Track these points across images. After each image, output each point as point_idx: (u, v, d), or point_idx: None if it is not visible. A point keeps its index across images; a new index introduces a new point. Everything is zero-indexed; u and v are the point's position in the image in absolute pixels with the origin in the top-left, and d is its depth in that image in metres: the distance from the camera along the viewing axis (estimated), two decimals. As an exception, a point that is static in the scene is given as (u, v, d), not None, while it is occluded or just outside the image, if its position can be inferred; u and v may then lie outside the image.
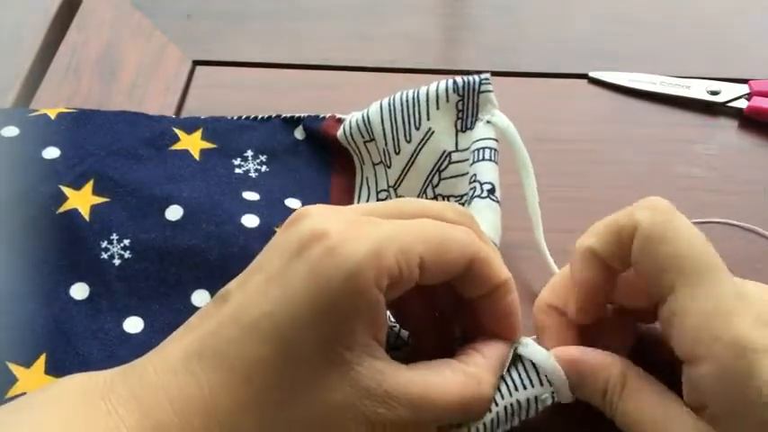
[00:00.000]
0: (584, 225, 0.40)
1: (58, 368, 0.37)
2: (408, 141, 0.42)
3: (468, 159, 0.41)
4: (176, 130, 0.45)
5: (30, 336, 0.38)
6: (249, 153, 0.45)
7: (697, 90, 0.49)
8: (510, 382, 0.34)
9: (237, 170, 0.44)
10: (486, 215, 0.38)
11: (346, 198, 0.44)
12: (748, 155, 0.47)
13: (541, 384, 0.34)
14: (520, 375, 0.34)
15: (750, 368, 0.29)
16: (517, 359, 0.34)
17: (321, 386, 0.29)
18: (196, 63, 0.52)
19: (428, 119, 0.41)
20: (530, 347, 0.34)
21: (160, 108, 0.49)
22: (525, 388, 0.33)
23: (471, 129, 0.41)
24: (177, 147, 0.45)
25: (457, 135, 0.41)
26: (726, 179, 0.45)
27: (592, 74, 0.51)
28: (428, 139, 0.41)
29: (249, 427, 0.29)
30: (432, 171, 0.42)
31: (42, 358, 0.37)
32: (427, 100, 0.41)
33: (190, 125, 0.46)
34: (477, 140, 0.40)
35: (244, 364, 0.30)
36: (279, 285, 0.30)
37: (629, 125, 0.48)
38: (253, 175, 0.44)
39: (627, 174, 0.46)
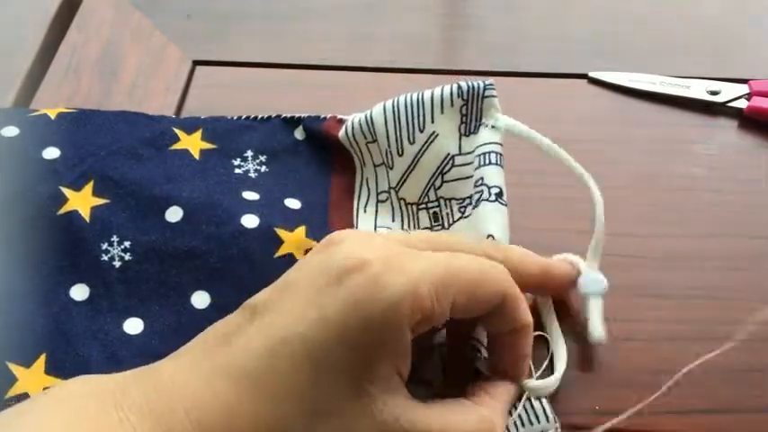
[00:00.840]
0: (584, 225, 0.40)
1: (58, 368, 0.37)
2: (412, 143, 0.42)
3: (471, 163, 0.41)
4: (176, 130, 0.45)
5: (30, 336, 0.38)
6: (249, 153, 0.45)
7: (697, 90, 0.49)
8: (517, 419, 0.35)
9: (237, 170, 0.44)
10: (495, 218, 0.39)
11: (346, 198, 0.44)
12: (748, 155, 0.47)
13: (547, 420, 0.35)
14: (527, 412, 0.35)
15: None
16: (523, 396, 0.35)
17: (343, 416, 0.30)
18: (196, 63, 0.52)
19: (432, 122, 0.41)
20: (536, 386, 0.35)
21: (160, 108, 0.49)
22: (532, 424, 0.35)
23: (475, 133, 0.41)
24: (177, 147, 0.45)
25: (460, 139, 0.41)
26: (726, 179, 0.45)
27: (592, 74, 0.51)
28: (432, 141, 0.42)
29: None
30: (435, 173, 0.42)
31: (42, 358, 0.37)
32: (432, 103, 0.41)
33: (190, 125, 0.46)
34: (483, 144, 0.41)
35: (271, 384, 0.29)
36: (315, 309, 0.30)
37: (629, 125, 0.48)
38: (252, 175, 0.44)
39: (627, 174, 0.46)
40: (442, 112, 0.41)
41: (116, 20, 0.54)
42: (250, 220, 0.41)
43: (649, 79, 0.50)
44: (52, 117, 0.45)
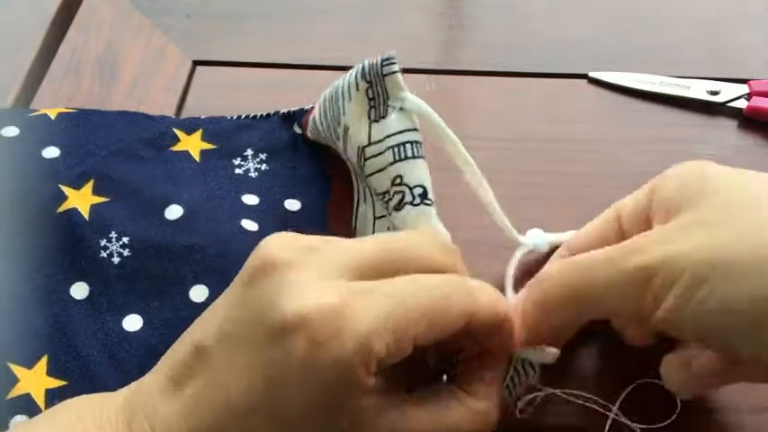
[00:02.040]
0: (583, 225, 0.40)
1: (59, 369, 0.37)
2: (338, 140, 0.39)
3: (382, 153, 0.37)
4: (176, 131, 0.45)
5: (31, 337, 0.38)
6: (249, 152, 0.45)
7: (697, 90, 0.49)
8: (509, 383, 0.35)
9: (237, 170, 0.44)
10: (422, 223, 0.35)
11: (346, 194, 0.44)
12: (748, 155, 0.47)
13: (534, 372, 0.34)
14: (518, 375, 0.35)
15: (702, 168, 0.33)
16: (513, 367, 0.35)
17: None
18: (196, 63, 0.52)
19: (344, 113, 0.38)
20: (528, 354, 0.34)
21: (160, 108, 0.49)
22: (522, 384, 0.35)
23: (384, 117, 0.37)
24: (177, 148, 0.45)
25: (370, 126, 0.37)
26: (726, 179, 0.45)
27: (592, 74, 0.51)
28: (348, 136, 0.38)
29: None
30: (359, 171, 0.39)
31: (44, 360, 0.37)
32: (342, 93, 0.38)
33: (190, 126, 0.46)
34: (393, 134, 0.36)
35: None
36: (261, 378, 0.28)
37: (629, 125, 0.48)
38: (253, 174, 0.44)
39: (627, 174, 0.46)
40: (350, 98, 0.37)
41: (116, 20, 0.54)
42: (249, 225, 0.41)
43: (649, 79, 0.50)
44: (52, 117, 0.45)
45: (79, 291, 0.40)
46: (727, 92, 0.49)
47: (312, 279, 0.29)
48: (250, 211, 0.42)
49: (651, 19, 0.54)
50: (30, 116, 0.45)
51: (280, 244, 0.30)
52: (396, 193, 0.36)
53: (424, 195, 0.36)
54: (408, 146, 0.36)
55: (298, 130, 0.46)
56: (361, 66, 0.37)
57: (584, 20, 0.55)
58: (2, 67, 0.51)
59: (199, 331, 0.31)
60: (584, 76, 0.51)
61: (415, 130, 0.36)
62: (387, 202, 0.37)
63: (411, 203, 0.36)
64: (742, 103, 0.48)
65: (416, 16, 0.55)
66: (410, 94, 0.36)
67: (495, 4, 0.56)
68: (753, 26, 0.54)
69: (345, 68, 0.51)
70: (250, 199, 0.43)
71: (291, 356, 0.28)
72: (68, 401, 0.32)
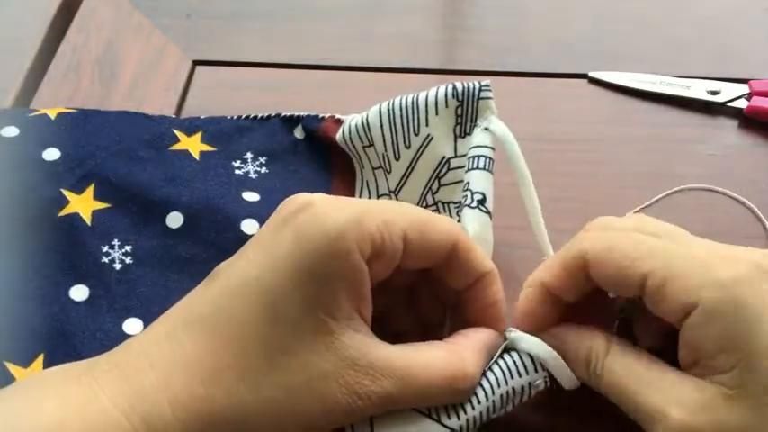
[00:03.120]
0: (584, 225, 0.40)
1: (56, 368, 0.37)
2: (408, 147, 0.42)
3: (463, 166, 0.41)
4: (176, 132, 0.45)
5: (28, 336, 0.38)
6: (249, 155, 0.45)
7: (697, 90, 0.49)
8: (506, 370, 0.34)
9: (237, 171, 0.44)
10: (473, 227, 0.38)
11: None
12: (748, 155, 0.47)
13: (536, 371, 0.34)
14: (515, 363, 0.34)
15: (736, 300, 0.30)
16: (507, 351, 0.35)
17: (307, 353, 0.30)
18: (196, 63, 0.52)
19: (427, 125, 0.41)
20: (524, 338, 0.35)
21: (160, 108, 0.49)
22: (520, 375, 0.34)
23: (470, 135, 0.41)
24: (177, 147, 0.45)
25: (456, 141, 0.41)
26: (726, 179, 0.45)
27: (592, 74, 0.51)
28: (427, 145, 0.41)
29: (232, 386, 0.29)
30: (431, 177, 0.42)
31: (40, 358, 0.37)
32: (426, 105, 0.41)
33: (190, 126, 0.46)
34: (473, 147, 0.40)
35: (230, 326, 0.30)
36: (265, 253, 0.31)
37: (629, 125, 0.48)
38: (253, 176, 0.44)
39: (627, 174, 0.46)
40: (437, 113, 0.41)
41: (116, 20, 0.54)
42: (250, 226, 0.41)
43: (649, 79, 0.50)
44: (52, 117, 0.45)
45: (79, 293, 0.40)
46: (728, 92, 0.49)
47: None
48: (251, 208, 0.42)
49: (651, 19, 0.54)
50: (30, 116, 0.45)
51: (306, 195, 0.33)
52: (462, 197, 0.39)
53: (482, 202, 0.39)
54: (482, 159, 0.39)
55: (299, 134, 0.46)
56: (451, 86, 0.40)
57: (584, 20, 0.55)
58: (2, 67, 0.51)
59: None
60: (585, 76, 0.51)
61: (492, 149, 0.40)
62: (457, 212, 0.40)
63: (469, 206, 0.38)
64: (742, 103, 0.48)
65: (416, 16, 0.55)
66: (496, 119, 0.40)
67: (495, 4, 0.56)
68: (753, 26, 0.54)
69: (345, 68, 0.52)
70: (251, 195, 0.43)
71: (294, 230, 0.30)
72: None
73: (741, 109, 0.48)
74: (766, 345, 0.30)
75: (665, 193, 0.45)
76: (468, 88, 0.40)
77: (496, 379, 0.34)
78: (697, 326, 0.31)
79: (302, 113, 0.46)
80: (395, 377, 0.31)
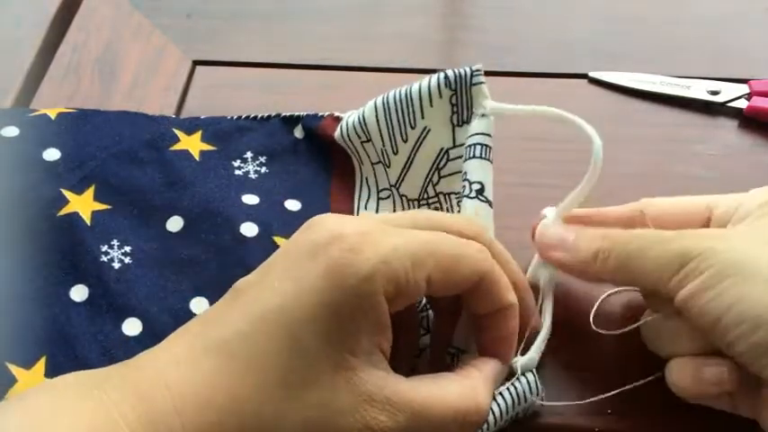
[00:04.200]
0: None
1: (57, 370, 0.37)
2: (405, 141, 0.42)
3: (462, 155, 0.40)
4: (176, 131, 0.45)
5: (30, 337, 0.38)
6: (249, 155, 0.45)
7: (697, 90, 0.49)
8: (515, 396, 0.35)
9: (237, 171, 0.44)
10: (473, 217, 0.38)
11: (346, 197, 0.44)
12: (748, 155, 0.47)
13: (537, 393, 0.36)
14: (523, 389, 0.35)
15: None
16: (513, 375, 0.36)
17: (325, 388, 0.30)
18: (196, 63, 0.52)
19: (423, 117, 0.41)
20: (525, 363, 0.36)
21: (160, 108, 0.49)
22: (526, 400, 0.35)
23: (468, 123, 0.40)
24: (177, 147, 0.45)
25: (454, 130, 0.41)
26: (726, 179, 0.45)
27: (592, 74, 0.51)
28: (424, 137, 0.41)
29: (248, 416, 0.29)
30: (431, 169, 0.42)
31: (42, 360, 0.37)
32: (420, 97, 0.41)
33: (190, 126, 0.46)
34: (470, 136, 0.40)
35: (249, 354, 0.30)
36: (292, 282, 0.31)
37: (629, 125, 0.48)
38: (252, 176, 0.44)
39: (627, 174, 0.46)
40: (432, 105, 0.40)
41: (116, 20, 0.54)
42: (249, 229, 0.41)
43: (649, 79, 0.50)
44: (52, 117, 0.45)
45: (79, 293, 0.40)
46: (728, 92, 0.49)
47: (347, 217, 0.33)
48: (250, 211, 0.42)
49: (651, 19, 0.54)
50: (30, 116, 0.45)
51: (336, 220, 0.33)
52: (462, 188, 0.39)
53: (480, 191, 0.38)
54: (479, 147, 0.39)
55: (298, 134, 0.46)
56: (443, 75, 0.40)
57: (584, 20, 0.55)
58: (2, 67, 0.51)
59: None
60: (585, 76, 0.51)
61: (489, 136, 0.39)
62: (458, 202, 0.40)
63: (467, 196, 0.38)
64: (742, 103, 0.48)
65: (416, 16, 0.55)
66: (490, 102, 0.40)
67: (495, 4, 0.56)
68: (753, 26, 0.54)
69: (345, 68, 0.52)
70: (250, 198, 0.43)
71: (323, 265, 0.30)
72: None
73: (741, 109, 0.48)
74: None
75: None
76: (460, 75, 0.40)
77: (507, 406, 0.35)
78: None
79: (302, 113, 0.46)
80: (411, 412, 0.31)
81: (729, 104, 0.49)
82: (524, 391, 0.35)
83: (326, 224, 0.32)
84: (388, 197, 0.43)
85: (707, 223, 0.38)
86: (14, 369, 0.37)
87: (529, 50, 0.52)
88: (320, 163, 0.45)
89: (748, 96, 0.49)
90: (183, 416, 0.29)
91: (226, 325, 0.31)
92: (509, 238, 0.39)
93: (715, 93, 0.49)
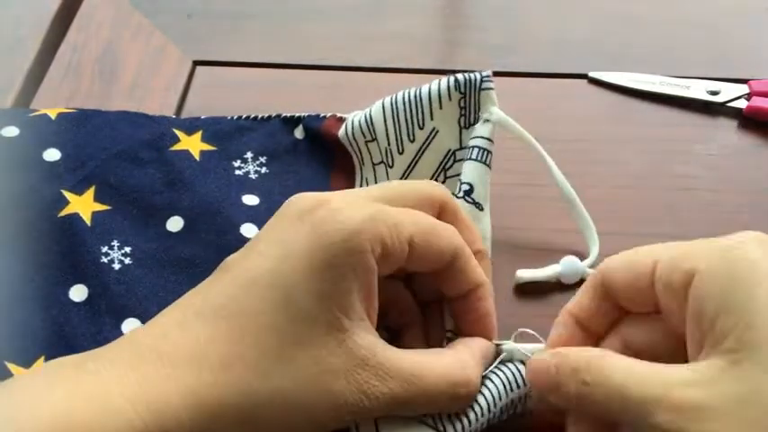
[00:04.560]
0: (572, 224, 0.40)
1: (57, 370, 0.37)
2: (412, 141, 0.42)
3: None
4: (176, 131, 0.45)
5: (29, 337, 0.38)
6: (249, 155, 0.45)
7: (697, 90, 0.49)
8: (506, 382, 0.34)
9: (237, 171, 0.44)
10: None
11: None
12: (748, 155, 0.47)
13: (526, 384, 0.35)
14: (514, 375, 0.35)
15: (734, 261, 0.29)
16: (504, 363, 0.35)
17: (318, 347, 0.30)
18: (196, 63, 0.52)
19: (431, 118, 0.41)
20: (519, 349, 0.35)
21: (160, 108, 0.49)
22: (519, 387, 0.35)
23: (474, 125, 0.41)
24: (177, 147, 0.45)
25: (461, 133, 0.41)
26: (725, 179, 0.45)
27: (592, 74, 0.51)
28: (433, 138, 0.42)
29: (243, 374, 0.30)
30: (437, 170, 0.42)
31: (41, 360, 0.37)
32: (429, 99, 0.41)
33: (190, 126, 0.46)
34: (472, 138, 0.40)
35: (243, 317, 0.30)
36: (279, 246, 0.31)
37: (629, 125, 0.48)
38: (253, 176, 0.44)
39: (627, 174, 0.46)
40: (441, 107, 0.41)
41: (116, 20, 0.54)
42: (249, 229, 0.41)
43: (649, 79, 0.50)
44: (52, 117, 0.45)
45: (78, 293, 0.39)
46: (727, 92, 0.49)
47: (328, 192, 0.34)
48: (250, 212, 0.42)
49: (651, 19, 0.54)
50: (30, 116, 0.45)
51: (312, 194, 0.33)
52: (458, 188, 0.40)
53: (468, 192, 0.39)
54: (476, 150, 0.40)
55: (299, 134, 0.46)
56: (453, 78, 0.41)
57: (584, 20, 0.55)
58: (2, 67, 0.51)
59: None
60: (585, 76, 0.51)
61: (491, 141, 0.40)
62: None
63: (456, 195, 0.39)
64: (742, 103, 0.48)
65: (416, 16, 0.55)
66: (497, 109, 0.40)
67: (495, 4, 0.56)
68: (753, 26, 0.54)
69: (345, 68, 0.52)
70: (250, 199, 0.43)
71: (310, 225, 0.31)
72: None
73: (741, 109, 0.48)
74: (765, 302, 0.28)
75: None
76: (470, 80, 0.41)
77: (498, 391, 0.34)
78: (697, 290, 0.30)
79: (302, 114, 0.46)
80: (402, 379, 0.31)
81: (729, 104, 0.49)
82: (514, 377, 0.35)
83: (307, 196, 0.33)
84: None
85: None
86: (14, 368, 0.37)
87: (529, 50, 0.52)
88: (320, 163, 0.46)
89: (748, 96, 0.49)
90: (178, 380, 0.29)
91: (218, 293, 0.31)
92: (509, 238, 0.39)
93: (715, 93, 0.49)
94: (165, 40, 0.53)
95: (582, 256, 0.41)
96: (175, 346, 0.30)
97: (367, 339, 0.31)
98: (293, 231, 0.31)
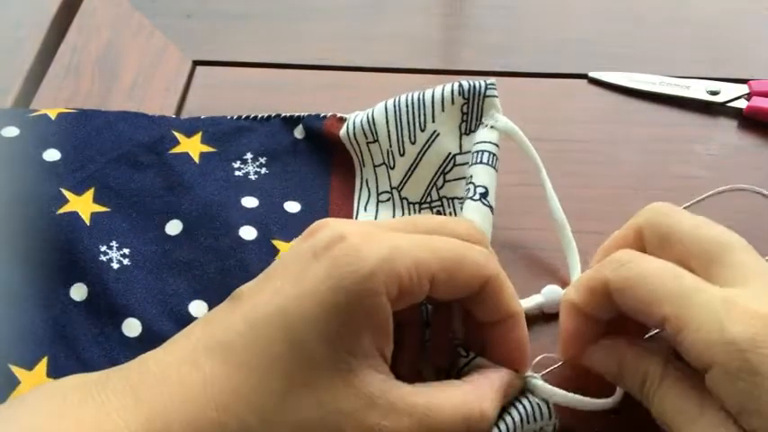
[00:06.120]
0: (584, 225, 0.40)
1: (59, 371, 0.37)
2: (413, 143, 0.42)
3: (467, 162, 0.41)
4: (176, 134, 0.45)
5: (31, 338, 0.38)
6: (249, 156, 0.45)
7: (697, 90, 0.49)
8: (524, 415, 0.34)
9: (237, 173, 0.44)
10: (475, 219, 0.38)
11: (346, 199, 0.44)
12: (748, 155, 0.47)
13: (549, 417, 0.35)
14: (532, 408, 0.34)
15: (749, 365, 0.29)
16: (526, 392, 0.35)
17: (325, 390, 0.30)
18: (196, 63, 0.52)
19: (433, 121, 0.41)
20: (544, 387, 0.35)
21: (160, 108, 0.49)
22: (536, 420, 0.34)
23: (475, 132, 0.41)
24: (177, 150, 0.45)
25: (461, 138, 0.41)
26: (725, 179, 0.45)
27: (592, 74, 0.51)
28: (433, 141, 0.42)
29: (244, 417, 0.29)
30: (436, 173, 0.42)
31: (44, 362, 0.37)
32: (433, 102, 0.41)
33: (189, 127, 0.46)
34: (478, 143, 0.40)
35: (251, 357, 0.30)
36: (293, 284, 0.30)
37: (629, 125, 0.48)
38: (252, 177, 0.44)
39: (627, 174, 0.46)
40: (443, 110, 0.41)
41: (116, 20, 0.54)
42: (248, 232, 0.41)
43: (649, 79, 0.50)
44: (52, 117, 0.45)
45: (78, 292, 0.39)
46: (727, 92, 0.49)
47: (348, 221, 0.33)
48: (249, 215, 0.42)
49: (651, 19, 0.54)
50: (30, 116, 0.45)
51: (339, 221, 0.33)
52: (465, 191, 0.40)
53: (484, 195, 0.39)
54: (486, 154, 0.40)
55: (299, 134, 0.46)
56: (457, 84, 0.41)
57: (584, 20, 0.55)
58: (2, 67, 0.51)
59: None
60: (585, 76, 0.51)
61: (497, 145, 0.40)
62: (461, 207, 0.40)
63: (471, 198, 0.39)
64: (742, 103, 0.48)
65: (416, 16, 0.55)
66: (502, 116, 0.41)
67: (495, 4, 0.56)
68: (753, 26, 0.54)
69: (345, 68, 0.52)
70: (250, 201, 0.43)
71: (324, 265, 0.30)
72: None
73: (741, 109, 0.48)
74: None
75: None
76: (475, 86, 0.41)
77: (513, 423, 0.34)
78: (716, 385, 0.30)
79: (302, 113, 0.46)
80: (414, 416, 0.30)
81: (729, 104, 0.49)
82: (533, 409, 0.34)
83: (327, 227, 0.32)
84: (388, 200, 0.43)
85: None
86: (17, 371, 0.37)
87: (529, 50, 0.52)
88: (320, 164, 0.45)
89: (748, 96, 0.49)
90: (182, 414, 0.29)
91: (227, 328, 0.31)
92: (509, 239, 0.39)
93: (715, 93, 0.49)
94: (165, 41, 0.53)
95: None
96: (181, 381, 0.30)
97: (376, 378, 0.30)
98: (307, 271, 0.30)
